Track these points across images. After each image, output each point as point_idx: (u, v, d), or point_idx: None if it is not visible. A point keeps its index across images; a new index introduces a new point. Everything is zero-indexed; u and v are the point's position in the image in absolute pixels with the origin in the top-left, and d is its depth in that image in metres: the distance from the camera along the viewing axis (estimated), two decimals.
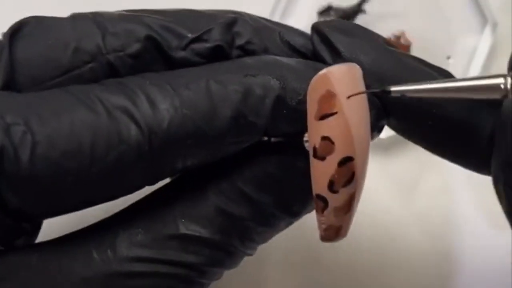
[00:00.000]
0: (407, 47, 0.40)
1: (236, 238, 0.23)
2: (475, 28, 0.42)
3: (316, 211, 0.22)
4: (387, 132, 0.40)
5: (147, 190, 0.23)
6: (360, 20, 0.40)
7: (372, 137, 0.23)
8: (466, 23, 0.42)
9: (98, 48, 0.22)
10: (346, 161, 0.21)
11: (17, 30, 0.22)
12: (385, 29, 0.39)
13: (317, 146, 0.21)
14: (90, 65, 0.22)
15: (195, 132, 0.21)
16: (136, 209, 0.23)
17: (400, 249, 0.37)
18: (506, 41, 0.39)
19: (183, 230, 0.22)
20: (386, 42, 0.23)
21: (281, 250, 0.35)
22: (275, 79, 0.22)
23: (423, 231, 0.38)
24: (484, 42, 0.39)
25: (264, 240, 0.24)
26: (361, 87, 0.21)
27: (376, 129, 0.23)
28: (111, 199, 0.22)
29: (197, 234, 0.22)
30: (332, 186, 0.21)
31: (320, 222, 0.23)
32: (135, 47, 0.22)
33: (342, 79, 0.21)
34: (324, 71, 0.21)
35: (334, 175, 0.21)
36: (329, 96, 0.21)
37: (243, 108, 0.21)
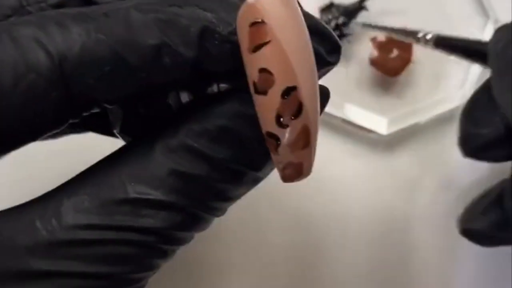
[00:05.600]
0: (408, 45, 0.39)
1: (195, 198, 0.21)
2: (477, 26, 0.41)
3: (270, 151, 0.21)
4: (389, 128, 0.39)
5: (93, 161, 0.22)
6: (361, 17, 0.40)
7: (321, 70, 0.22)
8: (467, 21, 0.41)
9: (18, 0, 0.22)
10: (290, 91, 0.20)
11: None
12: None
13: (256, 80, 0.20)
14: (11, 19, 0.22)
15: (113, 59, 0.20)
16: (81, 177, 0.22)
17: (403, 245, 0.37)
18: None
19: (132, 193, 0.21)
20: None
21: (285, 244, 0.35)
22: (202, 10, 0.21)
23: (426, 227, 0.38)
24: (486, 40, 0.38)
25: (231, 199, 0.22)
26: (296, 12, 0.20)
27: (326, 62, 0.22)
28: (31, 137, 0.20)
29: (148, 196, 0.21)
30: (279, 120, 0.20)
31: (277, 162, 0.21)
32: None
33: (271, 5, 0.20)
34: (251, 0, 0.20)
35: (279, 108, 0.20)
36: (259, 25, 0.20)
37: (166, 36, 0.20)
